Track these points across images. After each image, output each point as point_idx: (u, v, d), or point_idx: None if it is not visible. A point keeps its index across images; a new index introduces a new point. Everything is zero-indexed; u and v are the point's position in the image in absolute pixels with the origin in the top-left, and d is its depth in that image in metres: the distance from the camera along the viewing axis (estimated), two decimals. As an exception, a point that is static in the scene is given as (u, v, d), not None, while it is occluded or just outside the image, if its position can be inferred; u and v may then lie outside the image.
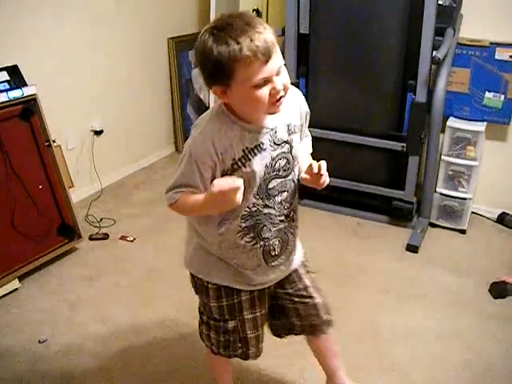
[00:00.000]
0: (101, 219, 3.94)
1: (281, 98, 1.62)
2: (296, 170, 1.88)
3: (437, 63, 3.48)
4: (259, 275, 1.95)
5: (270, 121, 1.73)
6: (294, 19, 3.80)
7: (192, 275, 2.07)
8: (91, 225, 3.88)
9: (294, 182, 1.88)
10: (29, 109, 3.21)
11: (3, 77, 3.12)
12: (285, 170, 1.82)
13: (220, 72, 1.54)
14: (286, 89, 1.63)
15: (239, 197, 1.59)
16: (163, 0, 4.85)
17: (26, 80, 3.25)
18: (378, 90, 3.80)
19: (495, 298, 3.24)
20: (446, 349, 2.82)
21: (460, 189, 3.89)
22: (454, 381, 2.63)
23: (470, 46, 3.75)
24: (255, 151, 1.72)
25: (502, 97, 3.77)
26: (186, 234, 2.08)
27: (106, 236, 3.75)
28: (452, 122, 3.85)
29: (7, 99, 3.09)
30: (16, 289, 3.18)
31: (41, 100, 3.28)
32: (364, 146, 3.87)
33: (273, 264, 1.95)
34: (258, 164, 1.73)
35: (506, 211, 4.07)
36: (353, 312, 3.08)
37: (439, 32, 3.49)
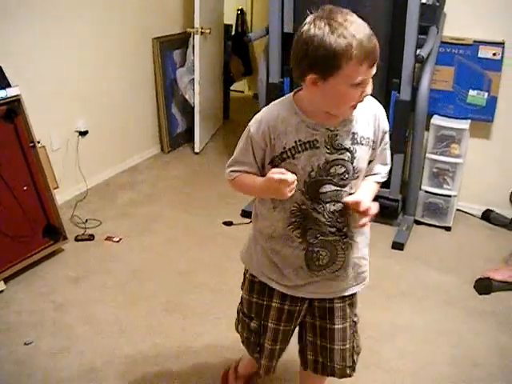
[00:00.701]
0: (86, 220, 3.92)
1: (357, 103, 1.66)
2: (357, 184, 1.81)
3: (421, 61, 3.50)
4: (299, 278, 1.88)
5: (332, 122, 1.72)
6: (278, 19, 3.81)
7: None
8: (77, 226, 3.87)
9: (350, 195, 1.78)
10: (12, 110, 3.19)
11: (-14, 78, 3.10)
12: (342, 179, 1.75)
13: (328, 62, 1.55)
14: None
15: (289, 191, 1.64)
16: (148, 0, 4.83)
17: (10, 81, 3.23)
18: (363, 88, 3.81)
19: (480, 294, 3.27)
20: (433, 345, 2.85)
21: (445, 186, 3.92)
22: (441, 377, 2.65)
23: (453, 44, 3.79)
24: (307, 146, 1.72)
25: (486, 94, 3.81)
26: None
27: (91, 237, 3.74)
28: (436, 119, 3.88)
29: (-10, 100, 3.08)
30: (1, 291, 3.16)
31: (25, 100, 3.27)
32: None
33: (316, 273, 1.87)
34: (307, 160, 1.72)
35: (491, 208, 4.10)
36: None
37: (423, 30, 3.52)
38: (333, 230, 1.81)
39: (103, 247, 3.64)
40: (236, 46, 6.61)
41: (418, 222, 4.03)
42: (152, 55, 5.06)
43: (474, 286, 3.32)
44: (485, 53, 3.76)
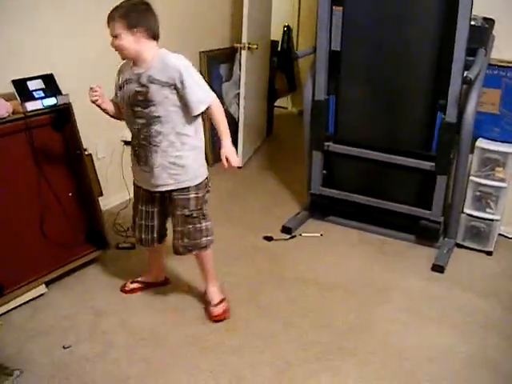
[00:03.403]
0: (128, 228, 3.96)
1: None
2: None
3: (468, 83, 3.47)
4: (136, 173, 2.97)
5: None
6: (326, 37, 3.82)
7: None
8: (118, 233, 3.92)
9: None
10: (62, 117, 3.26)
11: (39, 85, 3.16)
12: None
13: None
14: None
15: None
16: (197, 14, 4.90)
17: (61, 89, 3.29)
18: (408, 108, 3.79)
19: (521, 321, 3.21)
20: (472, 371, 2.80)
21: (487, 210, 3.87)
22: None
23: (501, 66, 3.75)
24: None
25: (533, 118, 3.76)
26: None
27: (132, 245, 3.78)
28: (481, 142, 3.83)
29: (42, 107, 3.13)
30: (42, 294, 3.22)
31: (74, 109, 3.33)
32: (392, 165, 3.86)
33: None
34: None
35: (534, 234, 4.04)
36: (376, 330, 3.06)
37: (471, 52, 3.49)
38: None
39: (143, 256, 3.67)
40: (281, 62, 6.64)
41: (459, 246, 3.98)
42: (199, 69, 5.11)
43: (515, 313, 3.27)
44: (533, 76, 3.72)
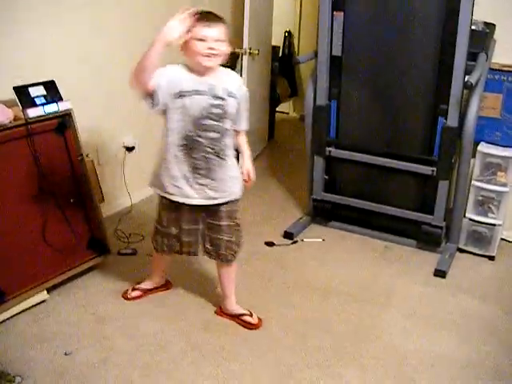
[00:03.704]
0: (130, 234, 3.97)
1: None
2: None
3: (469, 88, 3.47)
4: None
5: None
6: (327, 42, 3.82)
7: None
8: (120, 240, 3.92)
9: None
10: (64, 123, 3.26)
11: (40, 91, 3.16)
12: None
13: None
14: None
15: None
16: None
17: (62, 95, 3.30)
18: (410, 113, 3.80)
19: (523, 325, 3.21)
20: (473, 376, 2.79)
21: (490, 214, 3.86)
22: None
23: (502, 71, 3.75)
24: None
25: (534, 123, 3.76)
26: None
27: (134, 251, 3.78)
28: (483, 147, 3.83)
29: (43, 113, 3.14)
30: (44, 300, 3.21)
31: (75, 115, 3.33)
32: (394, 169, 3.86)
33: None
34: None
35: (537, 238, 4.03)
36: (379, 335, 3.06)
37: (472, 57, 3.49)
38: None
39: (145, 262, 3.67)
40: (282, 67, 6.65)
41: (461, 250, 3.98)
42: (200, 74, 5.11)
43: (517, 318, 3.26)
44: (534, 81, 3.72)
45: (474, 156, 3.81)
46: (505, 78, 3.75)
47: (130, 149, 4.37)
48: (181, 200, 2.78)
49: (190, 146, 2.65)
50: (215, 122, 2.63)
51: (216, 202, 2.80)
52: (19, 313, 3.10)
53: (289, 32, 7.02)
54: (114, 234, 3.97)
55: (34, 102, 3.13)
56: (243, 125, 2.88)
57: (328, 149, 4.02)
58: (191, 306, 3.26)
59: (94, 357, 2.81)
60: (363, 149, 3.93)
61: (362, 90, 3.93)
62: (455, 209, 3.87)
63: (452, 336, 3.10)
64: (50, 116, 3.19)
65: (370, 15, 3.72)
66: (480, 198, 3.87)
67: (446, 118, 3.58)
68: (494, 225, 3.85)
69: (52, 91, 3.23)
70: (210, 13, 2.59)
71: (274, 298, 3.38)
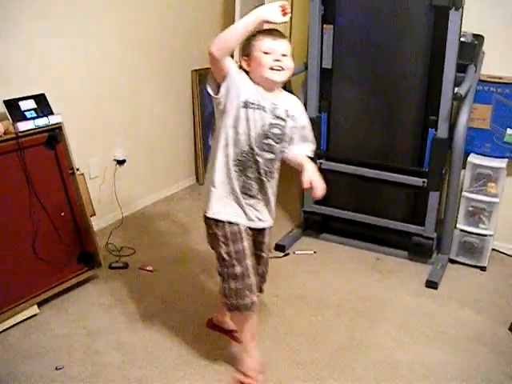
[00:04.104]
0: (121, 248, 3.96)
1: None
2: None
3: (458, 99, 3.49)
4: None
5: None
6: (317, 55, 3.85)
7: None
8: (111, 253, 3.91)
9: None
10: (54, 137, 3.26)
11: (30, 105, 3.17)
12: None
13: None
14: None
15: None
16: (189, 32, 4.93)
17: (52, 108, 3.30)
18: (400, 125, 3.82)
19: (515, 336, 3.21)
20: (465, 387, 2.80)
21: (480, 225, 3.87)
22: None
23: (491, 82, 3.77)
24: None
25: (524, 134, 3.78)
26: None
27: (125, 265, 3.77)
28: (473, 158, 3.85)
29: (34, 127, 3.14)
30: (35, 315, 3.20)
31: (65, 128, 3.33)
32: (385, 181, 3.87)
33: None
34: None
35: (527, 249, 4.04)
36: (370, 347, 3.05)
37: (461, 68, 3.51)
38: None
39: (136, 276, 3.66)
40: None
41: (452, 261, 3.99)
42: (191, 87, 5.13)
43: (510, 329, 3.25)
44: (523, 92, 3.74)
45: (464, 167, 3.83)
46: (494, 90, 3.77)
47: (120, 162, 4.37)
48: (234, 219, 2.52)
49: (245, 163, 2.46)
50: (274, 143, 2.48)
51: (261, 225, 2.64)
52: (10, 327, 3.08)
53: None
54: (105, 247, 3.95)
55: (25, 115, 3.13)
56: (309, 148, 2.66)
57: (318, 161, 4.02)
58: (182, 318, 3.25)
59: (86, 371, 2.79)
60: (354, 161, 3.94)
61: (352, 102, 3.94)
62: (446, 220, 3.88)
63: (444, 347, 3.09)
64: (41, 130, 3.20)
65: (360, 28, 3.75)
66: (471, 208, 3.88)
67: (436, 130, 3.60)
68: (485, 235, 3.86)
69: (42, 105, 3.24)
70: (273, 29, 2.47)
71: (265, 309, 3.37)
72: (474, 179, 3.84)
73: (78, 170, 3.47)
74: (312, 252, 4.10)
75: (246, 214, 2.55)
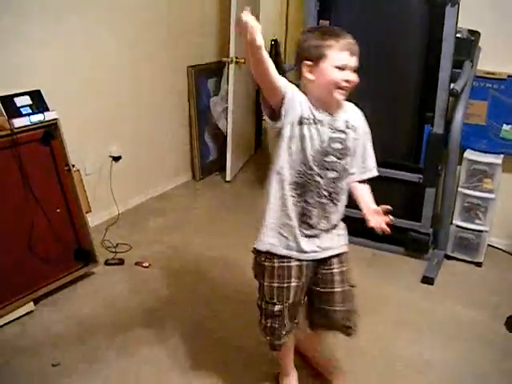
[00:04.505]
0: (117, 244, 3.96)
1: None
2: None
3: (455, 95, 3.49)
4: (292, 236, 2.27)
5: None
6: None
7: None
8: (107, 250, 3.90)
9: None
10: (50, 133, 3.25)
11: (26, 101, 3.16)
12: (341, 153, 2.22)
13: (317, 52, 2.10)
14: None
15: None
16: (184, 29, 4.92)
17: (48, 105, 3.29)
18: (396, 121, 3.81)
19: (511, 331, 3.21)
20: (461, 382, 2.80)
21: (476, 221, 3.88)
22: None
23: (487, 78, 3.77)
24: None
25: (520, 129, 3.78)
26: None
27: (121, 261, 3.76)
28: (469, 154, 3.85)
29: (29, 123, 3.13)
30: (31, 311, 3.19)
31: (61, 125, 3.32)
32: (380, 177, 3.85)
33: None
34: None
35: (523, 244, 4.05)
36: (367, 343, 3.05)
37: (457, 64, 3.51)
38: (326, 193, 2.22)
39: (132, 272, 3.66)
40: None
41: (448, 257, 3.99)
42: (187, 83, 5.13)
43: (505, 324, 3.26)
44: (519, 88, 3.75)
45: (460, 163, 3.83)
46: (490, 86, 3.78)
47: (116, 158, 4.35)
48: (285, 252, 2.26)
49: (303, 185, 2.18)
50: (336, 159, 2.18)
51: (324, 254, 2.32)
52: (6, 324, 3.08)
53: (275, 41, 7.01)
54: (101, 244, 3.94)
55: (20, 111, 3.12)
56: (371, 170, 2.42)
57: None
58: (178, 314, 3.25)
59: (82, 368, 2.78)
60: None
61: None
62: (442, 216, 3.89)
63: (439, 342, 3.10)
64: (36, 126, 3.18)
65: (355, 25, 3.72)
66: (467, 204, 3.89)
67: (432, 126, 3.60)
68: (481, 231, 3.86)
69: (38, 101, 3.22)
70: (346, 34, 2.16)
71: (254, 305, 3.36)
72: (469, 175, 3.85)
73: (73, 166, 3.46)
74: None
75: (301, 246, 2.25)
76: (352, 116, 2.27)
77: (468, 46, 3.63)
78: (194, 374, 2.77)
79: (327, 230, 2.29)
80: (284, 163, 2.16)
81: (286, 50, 7.21)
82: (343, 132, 2.20)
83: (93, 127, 4.10)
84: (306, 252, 2.26)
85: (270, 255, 2.28)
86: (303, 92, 2.13)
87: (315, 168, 2.15)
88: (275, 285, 2.28)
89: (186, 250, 3.98)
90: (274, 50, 7.00)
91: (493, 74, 3.76)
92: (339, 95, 2.13)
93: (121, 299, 3.37)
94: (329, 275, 2.35)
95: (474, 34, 3.69)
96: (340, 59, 2.07)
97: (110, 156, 4.32)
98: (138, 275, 3.64)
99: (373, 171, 2.41)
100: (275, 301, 2.29)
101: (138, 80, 4.51)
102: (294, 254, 2.25)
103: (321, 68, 2.07)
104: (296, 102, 2.07)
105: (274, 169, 2.21)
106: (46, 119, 3.22)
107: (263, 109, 2.11)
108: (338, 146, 2.18)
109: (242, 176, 5.62)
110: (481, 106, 3.83)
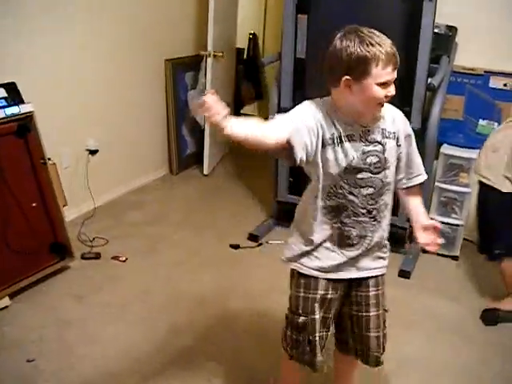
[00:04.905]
0: (93, 238, 3.93)
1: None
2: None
3: (432, 90, 3.51)
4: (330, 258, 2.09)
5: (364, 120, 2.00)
6: (291, 44, 3.84)
7: None
8: (84, 244, 3.87)
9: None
10: (25, 126, 3.21)
11: (1, 94, 3.12)
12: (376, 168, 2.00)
13: (360, 67, 1.87)
14: None
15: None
16: (162, 22, 4.89)
17: (24, 97, 3.25)
18: (373, 115, 3.82)
19: (486, 324, 3.25)
20: (438, 375, 2.83)
21: (453, 215, 3.91)
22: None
23: (464, 73, 3.81)
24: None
25: (496, 124, 3.81)
26: None
27: (98, 255, 3.74)
28: (445, 148, 3.88)
29: (4, 116, 3.09)
30: (6, 306, 3.15)
31: (37, 118, 3.28)
32: (358, 171, 3.88)
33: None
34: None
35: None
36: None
37: (434, 60, 3.53)
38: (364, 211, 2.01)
39: (109, 266, 3.64)
40: (247, 69, 6.65)
41: (425, 251, 3.98)
42: (164, 76, 5.10)
43: (481, 317, 3.29)
44: (495, 83, 3.77)
45: (436, 158, 3.86)
46: (467, 81, 3.81)
47: (93, 152, 4.32)
48: (316, 274, 2.10)
49: (336, 207, 2.00)
50: (371, 174, 1.97)
51: (361, 274, 2.15)
52: (-20, 319, 3.05)
53: (253, 34, 7.01)
54: (78, 237, 3.91)
55: (-6, 103, 3.08)
56: (419, 169, 2.19)
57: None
58: (154, 309, 3.24)
59: (58, 363, 2.76)
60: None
61: (325, 92, 3.93)
62: (419, 210, 3.90)
63: (418, 336, 3.12)
64: (11, 119, 3.15)
65: (334, 18, 3.73)
66: (443, 199, 3.92)
67: (409, 120, 3.60)
68: (457, 225, 3.90)
69: (13, 93, 3.19)
70: (386, 41, 1.98)
71: (239, 301, 3.36)
72: (446, 170, 3.88)
73: (49, 159, 3.42)
74: (285, 242, 4.10)
75: (338, 266, 2.08)
76: (389, 122, 2.04)
77: (445, 41, 3.66)
78: (173, 366, 2.77)
79: (369, 250, 2.09)
80: (318, 193, 2.00)
81: (264, 43, 7.21)
82: (379, 143, 1.98)
83: (69, 120, 4.06)
84: (342, 270, 2.09)
85: (303, 274, 2.12)
86: (327, 102, 2.04)
87: (346, 187, 1.96)
88: (301, 294, 2.13)
89: (163, 244, 3.97)
90: (252, 44, 7.00)
91: (470, 69, 3.79)
92: (378, 110, 1.97)
93: (97, 294, 3.35)
94: (364, 298, 2.17)
95: (452, 29, 3.71)
96: (385, 76, 1.89)
97: (87, 149, 4.29)
98: (115, 269, 3.62)
99: (421, 176, 2.17)
100: (300, 312, 2.13)
101: (115, 73, 4.47)
102: (329, 275, 2.08)
103: (363, 85, 1.87)
104: (307, 134, 1.88)
105: (310, 197, 2.07)
106: (22, 112, 3.19)
107: (283, 159, 2.06)
108: (373, 159, 1.96)
109: (220, 170, 5.61)
110: (458, 101, 3.86)
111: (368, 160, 1.95)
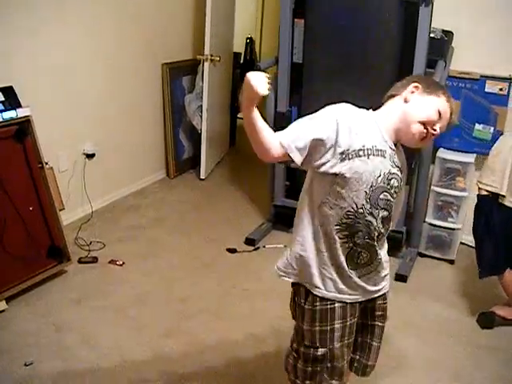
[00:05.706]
0: (90, 242, 3.93)
1: None
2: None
3: (428, 95, 3.51)
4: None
5: None
6: (287, 49, 3.85)
7: None
8: (81, 248, 3.87)
9: None
10: (22, 130, 3.22)
11: (-2, 97, 3.13)
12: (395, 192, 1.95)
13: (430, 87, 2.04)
14: None
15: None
16: (159, 26, 4.89)
17: (21, 101, 3.25)
18: (370, 119, 3.83)
19: (482, 328, 3.26)
20: (434, 379, 2.83)
21: (449, 219, 3.92)
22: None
23: (460, 78, 3.82)
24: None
25: (492, 129, 3.83)
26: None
27: (95, 259, 3.74)
28: (442, 152, 3.89)
29: (1, 120, 3.09)
30: (3, 310, 3.15)
31: (34, 122, 3.29)
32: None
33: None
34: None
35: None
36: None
37: (431, 64, 3.54)
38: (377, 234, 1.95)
39: (106, 270, 3.64)
40: (244, 73, 6.65)
41: (421, 255, 4.03)
42: (161, 80, 5.10)
43: (477, 320, 3.30)
44: (491, 88, 3.78)
45: (433, 162, 3.87)
46: (463, 85, 3.82)
47: (90, 156, 4.32)
48: (330, 295, 1.97)
49: (353, 226, 1.89)
50: (392, 198, 1.91)
51: (374, 294, 2.06)
52: (-23, 323, 3.05)
53: (250, 38, 7.02)
54: (75, 241, 3.91)
55: (-8, 108, 3.09)
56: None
57: (289, 155, 4.02)
58: (152, 313, 3.24)
59: (55, 367, 2.76)
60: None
61: (322, 96, 3.93)
62: (415, 214, 3.92)
63: (413, 339, 3.13)
64: (9, 123, 3.15)
65: (331, 23, 3.75)
66: (440, 202, 3.93)
67: (406, 124, 3.62)
68: (454, 229, 3.90)
69: (10, 97, 3.19)
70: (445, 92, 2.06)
71: (236, 304, 3.37)
72: (442, 174, 3.89)
73: (46, 163, 3.43)
74: (282, 246, 4.09)
75: (348, 289, 1.98)
76: (399, 152, 1.97)
77: (441, 45, 3.67)
78: (163, 365, 2.77)
79: (375, 270, 2.01)
80: (331, 204, 1.88)
81: (261, 47, 7.23)
82: (399, 169, 1.92)
83: (66, 124, 4.06)
84: (351, 294, 1.99)
85: (313, 296, 1.98)
86: (369, 112, 2.12)
87: (367, 206, 1.86)
88: (317, 328, 1.98)
89: (159, 248, 3.97)
90: (249, 48, 7.01)
91: (466, 74, 3.80)
92: (416, 144, 1.93)
93: (94, 298, 3.34)
94: (370, 309, 2.10)
95: (448, 34, 3.73)
96: (434, 116, 1.93)
97: (84, 153, 4.29)
98: (112, 273, 3.62)
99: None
100: (317, 345, 1.99)
101: (113, 77, 4.48)
102: (338, 296, 1.97)
103: (413, 107, 1.94)
104: (345, 134, 1.90)
105: (313, 203, 1.97)
106: (19, 116, 3.19)
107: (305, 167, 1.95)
108: (395, 183, 1.90)
109: (217, 173, 5.61)
110: (454, 106, 3.86)
111: (391, 182, 1.88)
